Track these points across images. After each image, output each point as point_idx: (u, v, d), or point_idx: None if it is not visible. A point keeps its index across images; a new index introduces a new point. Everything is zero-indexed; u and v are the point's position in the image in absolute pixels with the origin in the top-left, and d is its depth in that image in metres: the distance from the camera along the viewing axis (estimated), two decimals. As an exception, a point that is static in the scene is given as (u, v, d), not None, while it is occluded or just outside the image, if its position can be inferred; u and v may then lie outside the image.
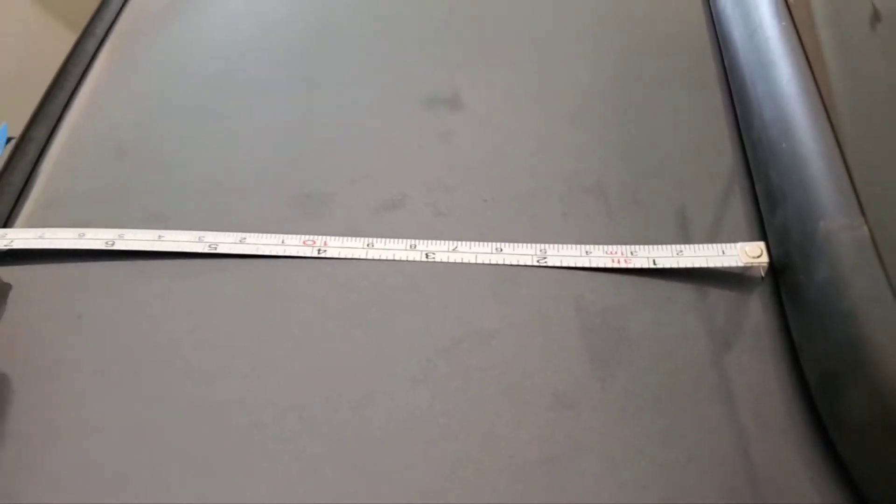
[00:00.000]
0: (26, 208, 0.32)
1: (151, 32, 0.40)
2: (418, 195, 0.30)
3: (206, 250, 0.28)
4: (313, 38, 0.38)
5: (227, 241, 0.29)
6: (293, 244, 0.28)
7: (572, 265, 0.27)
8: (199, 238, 0.29)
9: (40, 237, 0.29)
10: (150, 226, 0.30)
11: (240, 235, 0.29)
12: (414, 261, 0.28)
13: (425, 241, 0.28)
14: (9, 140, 0.35)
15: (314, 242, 0.28)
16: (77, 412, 0.25)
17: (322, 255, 0.28)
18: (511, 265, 0.27)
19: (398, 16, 0.39)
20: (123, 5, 0.41)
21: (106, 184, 0.32)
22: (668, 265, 0.27)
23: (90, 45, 0.39)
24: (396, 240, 0.28)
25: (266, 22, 0.39)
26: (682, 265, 0.27)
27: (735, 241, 0.27)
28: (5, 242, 0.29)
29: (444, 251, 0.28)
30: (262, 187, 0.31)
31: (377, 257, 0.28)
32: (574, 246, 0.27)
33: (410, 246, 0.28)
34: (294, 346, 0.26)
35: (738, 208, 0.29)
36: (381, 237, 0.29)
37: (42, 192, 0.32)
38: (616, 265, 0.27)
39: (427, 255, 0.28)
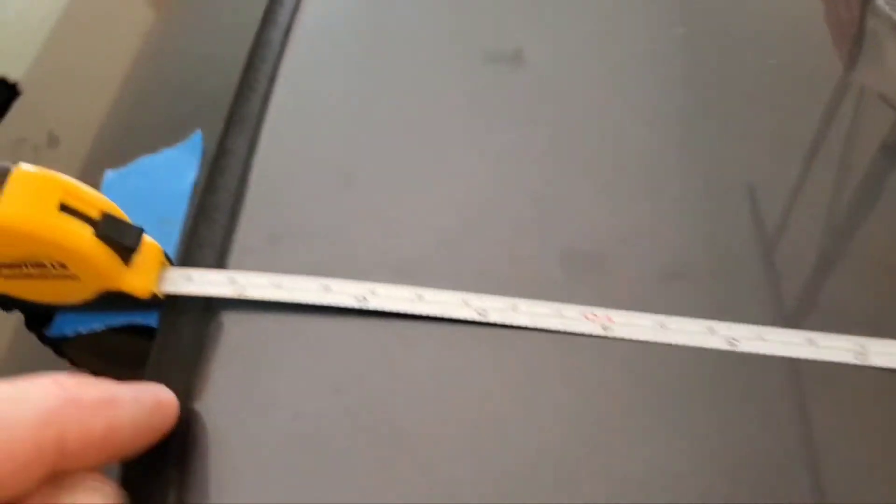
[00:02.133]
0: (241, 240, 0.28)
1: (349, 24, 0.35)
2: (706, 264, 0.27)
3: (474, 317, 0.25)
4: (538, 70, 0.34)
5: (497, 307, 0.25)
6: (572, 316, 0.25)
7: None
8: (465, 302, 0.25)
9: (277, 286, 0.26)
10: (399, 279, 0.26)
11: (511, 301, 0.25)
12: (715, 349, 0.25)
13: (730, 325, 0.25)
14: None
15: (596, 316, 0.25)
16: (341, 492, 0.22)
17: (608, 332, 0.25)
18: (873, 367, 0.24)
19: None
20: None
21: (335, 218, 0.28)
22: None
23: (275, 35, 0.34)
24: (693, 319, 0.25)
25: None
26: None
27: None
28: (236, 289, 0.26)
29: (749, 338, 0.25)
30: (522, 239, 0.27)
31: (672, 342, 0.25)
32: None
33: (709, 329, 0.25)
34: (590, 435, 0.23)
35: None
36: (670, 314, 0.25)
37: (258, 219, 0.28)
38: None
39: (731, 343, 0.25)
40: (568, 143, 0.30)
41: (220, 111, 0.31)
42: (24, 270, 0.24)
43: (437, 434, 0.23)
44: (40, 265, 0.24)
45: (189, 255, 0.27)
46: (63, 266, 0.24)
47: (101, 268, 0.24)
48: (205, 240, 0.28)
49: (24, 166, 0.23)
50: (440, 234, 0.27)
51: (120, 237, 0.24)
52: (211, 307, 0.26)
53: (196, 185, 0.29)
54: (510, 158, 0.30)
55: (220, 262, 0.27)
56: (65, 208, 0.23)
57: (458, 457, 0.22)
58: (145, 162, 0.30)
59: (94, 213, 0.24)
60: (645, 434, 0.23)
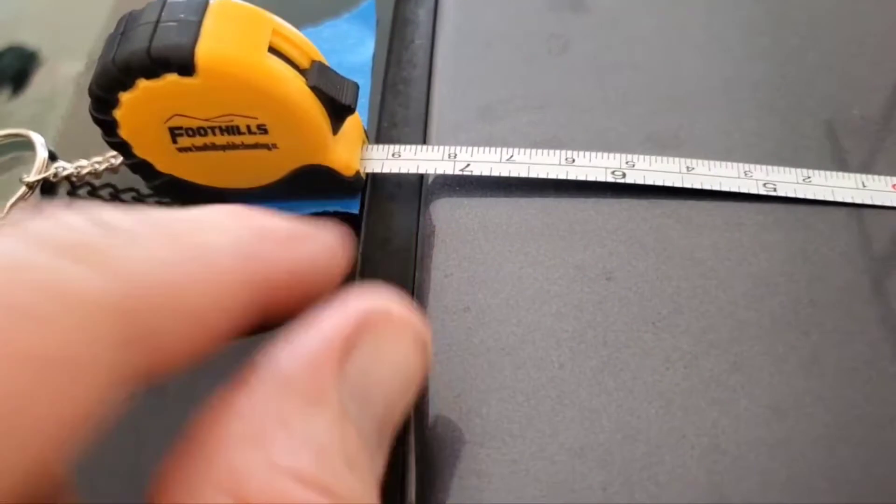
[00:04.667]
0: (445, 115, 0.23)
1: None
2: None
3: (761, 191, 0.21)
4: None
5: (786, 181, 0.21)
6: (877, 188, 0.21)
7: None
8: (746, 173, 0.21)
9: (510, 160, 0.21)
10: (652, 149, 0.21)
11: (803, 172, 0.21)
12: None
13: None
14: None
15: (908, 188, 0.21)
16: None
17: (923, 206, 0.20)
18: None
19: None
20: None
21: (557, 86, 0.23)
22: None
23: None
24: None
25: None
26: None
27: None
28: (457, 165, 0.21)
29: None
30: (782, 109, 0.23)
31: None
32: None
33: None
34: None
35: None
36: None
37: (459, 91, 0.24)
38: None
39: None
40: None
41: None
42: (210, 138, 0.20)
43: (723, 325, 0.18)
44: (232, 129, 0.19)
45: (384, 135, 0.23)
46: (262, 129, 0.19)
47: (311, 129, 0.19)
48: (400, 117, 0.23)
49: (225, -5, 0.19)
50: (687, 102, 0.23)
51: (335, 92, 0.19)
52: (425, 190, 0.22)
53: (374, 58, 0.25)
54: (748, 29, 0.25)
55: (423, 141, 0.23)
56: (273, 52, 0.19)
57: (748, 352, 0.18)
58: (310, 34, 0.25)
59: (304, 62, 0.19)
60: None
